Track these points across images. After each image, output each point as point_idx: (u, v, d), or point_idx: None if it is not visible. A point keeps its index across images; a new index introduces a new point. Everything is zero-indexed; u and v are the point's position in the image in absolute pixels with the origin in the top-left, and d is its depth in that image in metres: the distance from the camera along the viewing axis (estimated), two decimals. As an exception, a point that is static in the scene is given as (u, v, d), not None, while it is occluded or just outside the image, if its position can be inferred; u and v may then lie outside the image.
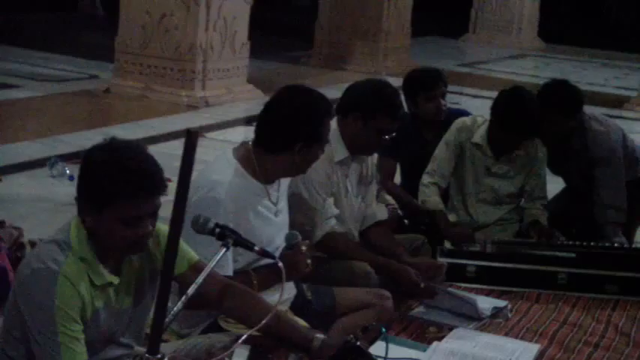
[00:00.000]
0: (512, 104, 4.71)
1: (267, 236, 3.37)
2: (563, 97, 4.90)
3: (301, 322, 3.27)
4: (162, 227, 2.73)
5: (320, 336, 2.93)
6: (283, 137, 3.35)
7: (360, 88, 4.11)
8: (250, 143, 3.41)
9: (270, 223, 3.41)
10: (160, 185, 2.61)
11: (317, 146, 3.41)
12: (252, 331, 2.81)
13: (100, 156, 2.61)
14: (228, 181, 3.28)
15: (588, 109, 5.10)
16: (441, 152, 4.88)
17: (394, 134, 4.06)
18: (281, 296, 2.88)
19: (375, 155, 4.30)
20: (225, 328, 3.23)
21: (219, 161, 3.42)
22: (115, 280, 2.69)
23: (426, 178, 4.85)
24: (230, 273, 3.21)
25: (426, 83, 5.05)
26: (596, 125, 5.02)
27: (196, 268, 2.81)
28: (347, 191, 4.11)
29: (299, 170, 3.47)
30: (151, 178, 2.59)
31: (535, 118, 4.70)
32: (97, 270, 2.65)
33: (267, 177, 3.38)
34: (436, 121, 5.08)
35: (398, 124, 4.07)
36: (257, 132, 3.41)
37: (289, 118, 3.37)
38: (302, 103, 3.42)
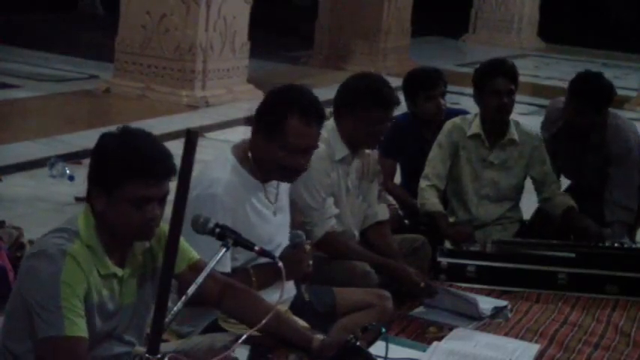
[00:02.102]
0: (586, 73, 5.07)
1: (267, 234, 3.37)
2: (596, 88, 4.92)
3: (301, 322, 3.27)
4: (165, 226, 2.73)
5: (319, 336, 2.93)
6: (256, 119, 3.35)
7: (349, 85, 4.14)
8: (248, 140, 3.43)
9: (269, 221, 3.41)
10: (170, 169, 2.65)
11: (274, 145, 3.28)
12: (252, 331, 2.81)
13: (112, 139, 2.67)
14: (225, 178, 3.29)
15: None
16: (436, 154, 4.89)
17: (392, 128, 4.06)
18: (281, 296, 2.88)
19: (377, 152, 4.32)
20: (225, 328, 3.22)
21: (218, 159, 3.43)
22: (119, 272, 2.71)
23: (423, 182, 4.86)
24: (228, 270, 3.21)
25: (426, 83, 5.06)
26: (616, 122, 5.04)
27: (196, 267, 2.82)
28: (348, 190, 4.11)
29: (270, 171, 3.34)
30: (161, 161, 2.65)
31: (601, 92, 4.90)
32: (102, 259, 2.67)
33: (260, 175, 3.38)
34: (436, 120, 5.08)
35: (392, 113, 4.10)
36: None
37: (259, 106, 3.38)
38: (272, 95, 3.40)
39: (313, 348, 2.91)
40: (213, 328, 3.26)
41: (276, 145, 3.28)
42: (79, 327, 2.58)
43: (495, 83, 4.77)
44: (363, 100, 4.01)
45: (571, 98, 4.94)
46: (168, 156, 2.68)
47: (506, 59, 5.02)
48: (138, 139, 2.68)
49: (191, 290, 2.70)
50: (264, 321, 2.78)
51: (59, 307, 2.55)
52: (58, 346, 2.56)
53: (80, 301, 2.59)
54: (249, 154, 3.36)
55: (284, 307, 3.38)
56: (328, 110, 4.26)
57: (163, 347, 2.35)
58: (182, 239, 2.76)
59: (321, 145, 3.98)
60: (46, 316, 2.56)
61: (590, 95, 4.87)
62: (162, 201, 2.67)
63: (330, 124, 4.09)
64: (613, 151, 4.98)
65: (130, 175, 2.61)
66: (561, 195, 4.95)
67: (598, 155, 5.03)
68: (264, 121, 3.32)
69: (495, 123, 4.86)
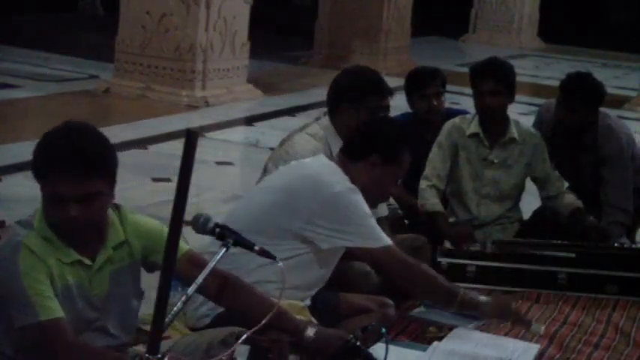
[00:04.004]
0: (577, 73, 5.12)
1: None
2: (589, 88, 4.95)
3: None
4: (130, 215, 2.80)
5: (314, 327, 2.93)
6: (364, 143, 3.57)
7: (340, 81, 4.19)
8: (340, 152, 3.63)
9: None
10: (80, 168, 2.59)
11: (391, 168, 3.56)
12: (252, 332, 2.80)
13: (44, 136, 2.66)
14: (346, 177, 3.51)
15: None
16: (435, 154, 4.89)
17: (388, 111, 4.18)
18: (280, 295, 2.88)
19: None
20: None
21: (324, 162, 3.59)
22: (87, 261, 2.71)
23: (423, 183, 4.86)
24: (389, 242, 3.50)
25: (420, 82, 5.07)
26: (608, 123, 5.04)
27: (187, 257, 2.81)
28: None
29: (372, 191, 3.55)
30: (67, 160, 2.58)
31: (594, 90, 4.94)
32: (61, 249, 2.67)
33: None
34: (435, 120, 5.08)
35: (386, 102, 4.14)
36: (345, 141, 3.69)
37: (376, 127, 3.64)
38: (392, 122, 3.74)
39: (306, 336, 2.91)
40: (229, 313, 3.24)
41: (390, 174, 3.58)
42: (52, 309, 2.60)
43: (481, 84, 4.79)
44: (358, 92, 4.06)
45: (563, 97, 4.95)
46: (82, 154, 2.60)
47: (497, 59, 5.01)
48: (60, 135, 2.63)
49: (191, 290, 2.70)
50: (263, 322, 2.77)
51: (27, 296, 2.58)
52: (37, 331, 2.58)
53: (46, 284, 2.61)
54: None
55: (300, 304, 3.40)
56: (323, 110, 4.29)
57: (163, 345, 2.35)
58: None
59: (318, 144, 4.01)
60: (19, 308, 2.59)
61: (583, 93, 4.90)
62: (81, 201, 2.61)
63: (324, 122, 4.12)
64: (605, 152, 4.99)
65: (38, 172, 2.62)
66: (568, 194, 4.93)
67: (591, 156, 5.04)
68: (381, 147, 3.55)
69: (486, 123, 4.86)
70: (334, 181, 3.45)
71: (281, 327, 2.96)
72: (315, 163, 3.60)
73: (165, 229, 2.77)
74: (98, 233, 2.73)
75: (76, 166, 2.59)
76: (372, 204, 3.62)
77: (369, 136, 3.60)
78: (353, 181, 3.50)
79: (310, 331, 2.95)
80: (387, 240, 3.50)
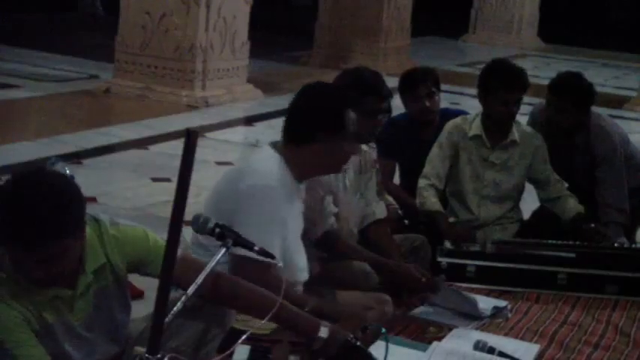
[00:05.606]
0: (566, 73, 5.11)
1: (299, 229, 3.54)
2: (578, 87, 4.94)
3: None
4: (112, 231, 2.71)
5: (326, 327, 2.90)
6: (304, 126, 3.44)
7: (341, 81, 4.18)
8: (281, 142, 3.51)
9: (299, 216, 3.55)
10: (41, 236, 2.44)
11: (340, 138, 3.44)
12: (250, 333, 2.79)
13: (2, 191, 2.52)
14: (277, 171, 3.38)
15: (593, 108, 5.11)
16: (435, 154, 4.89)
17: (391, 128, 4.19)
18: (280, 297, 2.87)
19: (374, 150, 4.32)
20: (236, 327, 3.16)
21: (264, 154, 3.49)
22: (65, 292, 2.65)
23: (422, 182, 4.85)
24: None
25: (411, 83, 5.04)
26: (600, 123, 5.04)
27: (180, 258, 2.75)
28: (345, 187, 4.11)
29: (327, 165, 3.51)
30: (28, 229, 2.44)
31: (583, 91, 4.93)
32: (34, 289, 2.59)
33: (299, 175, 3.47)
34: (431, 120, 5.08)
35: (385, 104, 4.13)
36: (283, 127, 3.51)
37: (308, 106, 3.48)
38: (319, 92, 3.56)
39: (318, 337, 2.87)
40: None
41: (340, 139, 3.42)
42: (34, 356, 2.57)
43: (508, 95, 4.73)
44: (356, 92, 4.03)
45: (551, 97, 4.95)
46: (40, 221, 2.44)
47: (522, 70, 4.90)
48: (11, 201, 2.47)
49: (191, 290, 2.69)
50: (262, 322, 2.76)
51: (9, 350, 2.54)
52: None
53: (26, 332, 2.57)
54: (284, 156, 3.45)
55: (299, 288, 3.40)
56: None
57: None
58: (157, 237, 2.74)
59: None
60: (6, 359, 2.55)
61: (572, 93, 4.89)
62: (46, 261, 2.49)
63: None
64: (598, 152, 4.98)
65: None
66: (570, 197, 4.92)
67: (585, 157, 5.03)
68: (322, 123, 3.42)
69: (500, 127, 4.85)
70: (246, 175, 3.33)
71: (287, 325, 2.93)
72: (253, 156, 3.54)
73: (151, 234, 2.77)
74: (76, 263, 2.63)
75: (35, 234, 2.44)
76: (336, 169, 3.63)
77: (309, 117, 3.45)
78: (304, 163, 3.42)
79: (323, 332, 2.90)
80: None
